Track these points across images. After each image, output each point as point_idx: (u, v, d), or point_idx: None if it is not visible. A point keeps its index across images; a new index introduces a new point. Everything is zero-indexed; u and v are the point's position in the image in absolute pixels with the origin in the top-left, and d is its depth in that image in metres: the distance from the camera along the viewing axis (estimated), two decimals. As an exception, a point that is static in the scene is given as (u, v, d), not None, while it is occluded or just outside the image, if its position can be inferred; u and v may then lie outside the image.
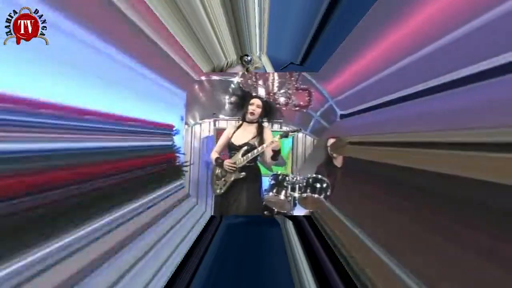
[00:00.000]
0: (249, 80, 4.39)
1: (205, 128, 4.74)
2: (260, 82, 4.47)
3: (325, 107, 4.60)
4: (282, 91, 4.61)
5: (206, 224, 2.57)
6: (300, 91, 4.63)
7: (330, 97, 4.53)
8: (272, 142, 2.75)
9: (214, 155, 3.02)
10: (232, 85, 4.38)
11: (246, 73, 4.00)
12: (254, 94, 3.54)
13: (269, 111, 3.01)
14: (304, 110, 4.56)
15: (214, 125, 4.72)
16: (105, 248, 1.56)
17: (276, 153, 2.85)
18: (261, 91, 4.46)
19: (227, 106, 4.56)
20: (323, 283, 1.66)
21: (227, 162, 2.87)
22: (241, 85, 4.37)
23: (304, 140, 4.82)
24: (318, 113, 4.67)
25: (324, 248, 2.08)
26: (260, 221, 2.88)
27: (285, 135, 2.82)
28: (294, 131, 2.92)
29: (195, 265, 1.85)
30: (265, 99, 3.05)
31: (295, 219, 2.83)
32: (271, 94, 4.55)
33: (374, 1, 2.01)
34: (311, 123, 4.78)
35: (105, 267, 1.47)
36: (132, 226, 1.91)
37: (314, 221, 2.78)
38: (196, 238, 2.29)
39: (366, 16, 2.15)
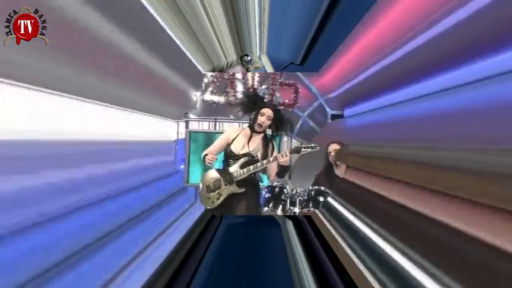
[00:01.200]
0: (225, 75, 3.92)
1: (173, 130, 4.00)
2: (239, 76, 3.99)
3: (314, 106, 4.15)
4: (264, 87, 4.05)
5: (206, 224, 2.56)
6: (285, 87, 4.06)
7: (319, 94, 4.11)
8: (281, 156, 2.42)
9: (205, 152, 2.65)
10: (206, 79, 3.97)
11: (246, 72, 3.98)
12: (267, 100, 3.07)
13: (278, 125, 2.60)
14: (290, 110, 3.99)
15: (187, 127, 4.05)
16: (103, 246, 1.56)
17: (284, 170, 2.52)
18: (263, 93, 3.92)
19: (198, 105, 4.04)
20: (323, 283, 1.66)
21: (208, 155, 2.53)
22: (256, 87, 3.94)
23: (290, 145, 4.11)
24: (306, 113, 4.18)
25: (324, 248, 2.07)
26: (260, 221, 2.86)
27: (296, 150, 2.46)
28: (308, 147, 2.47)
29: (195, 265, 1.85)
30: (278, 108, 2.66)
31: (295, 219, 2.82)
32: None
33: (374, 1, 2.01)
34: (298, 125, 4.21)
35: (103, 266, 1.47)
36: (131, 225, 1.91)
37: (314, 221, 2.78)
38: (196, 238, 2.28)
39: (366, 16, 2.15)
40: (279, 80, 4.04)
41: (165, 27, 2.29)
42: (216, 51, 3.20)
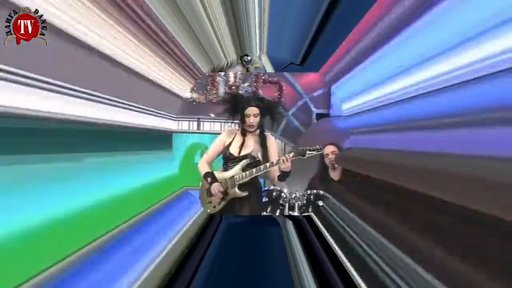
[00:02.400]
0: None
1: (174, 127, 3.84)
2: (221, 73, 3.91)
3: (298, 105, 4.09)
4: (246, 84, 4.03)
5: (206, 224, 2.57)
6: (268, 84, 4.03)
7: (305, 92, 4.08)
8: (283, 161, 2.35)
9: (203, 167, 2.58)
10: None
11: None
12: (248, 96, 2.87)
13: (270, 114, 2.52)
14: None
15: None
16: (103, 245, 1.56)
17: (285, 174, 2.45)
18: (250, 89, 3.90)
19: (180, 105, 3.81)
20: (323, 283, 1.66)
21: (216, 188, 2.44)
22: (232, 89, 3.89)
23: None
24: (290, 112, 4.15)
25: (324, 248, 2.08)
26: (260, 221, 2.86)
27: (301, 153, 2.39)
28: (313, 150, 2.40)
29: (195, 265, 1.85)
30: (260, 99, 2.54)
31: (295, 219, 2.82)
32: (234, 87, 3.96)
33: (374, 1, 2.01)
34: (282, 124, 4.13)
35: (103, 266, 1.47)
36: (130, 223, 1.91)
37: (314, 221, 2.78)
38: (196, 238, 2.29)
39: (366, 16, 2.15)
40: (263, 78, 3.97)
41: (166, 27, 2.29)
42: (216, 51, 3.20)
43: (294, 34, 3.10)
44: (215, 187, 2.45)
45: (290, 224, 2.71)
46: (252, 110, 2.46)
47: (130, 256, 1.66)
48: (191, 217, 2.71)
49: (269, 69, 3.87)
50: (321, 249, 2.08)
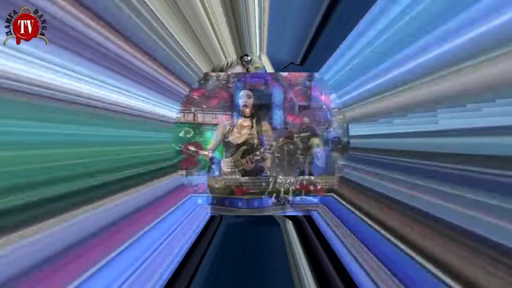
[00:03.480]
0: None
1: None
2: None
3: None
4: (236, 78, 4.32)
5: (206, 224, 2.57)
6: (256, 78, 4.07)
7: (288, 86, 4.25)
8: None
9: (210, 155, 2.89)
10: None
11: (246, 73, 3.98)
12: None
13: (264, 101, 2.88)
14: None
15: None
16: (104, 246, 1.56)
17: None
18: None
19: None
20: (323, 283, 1.66)
21: (225, 164, 2.68)
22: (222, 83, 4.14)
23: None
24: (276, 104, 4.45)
25: (324, 248, 2.08)
26: (260, 221, 2.87)
27: (289, 137, 2.60)
28: (301, 133, 2.60)
29: (195, 265, 1.85)
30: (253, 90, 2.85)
31: (295, 219, 2.83)
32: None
33: (374, 1, 2.01)
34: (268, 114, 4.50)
35: (103, 267, 1.47)
36: (131, 223, 1.91)
37: (314, 221, 2.78)
38: (196, 238, 2.29)
39: (366, 16, 2.15)
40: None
41: (166, 26, 2.29)
42: (216, 51, 3.20)
43: (294, 34, 3.10)
44: (224, 163, 2.67)
45: (290, 224, 2.71)
46: (245, 92, 2.79)
47: (129, 256, 1.66)
48: (191, 217, 2.71)
49: (269, 69, 3.87)
50: (321, 249, 2.08)
